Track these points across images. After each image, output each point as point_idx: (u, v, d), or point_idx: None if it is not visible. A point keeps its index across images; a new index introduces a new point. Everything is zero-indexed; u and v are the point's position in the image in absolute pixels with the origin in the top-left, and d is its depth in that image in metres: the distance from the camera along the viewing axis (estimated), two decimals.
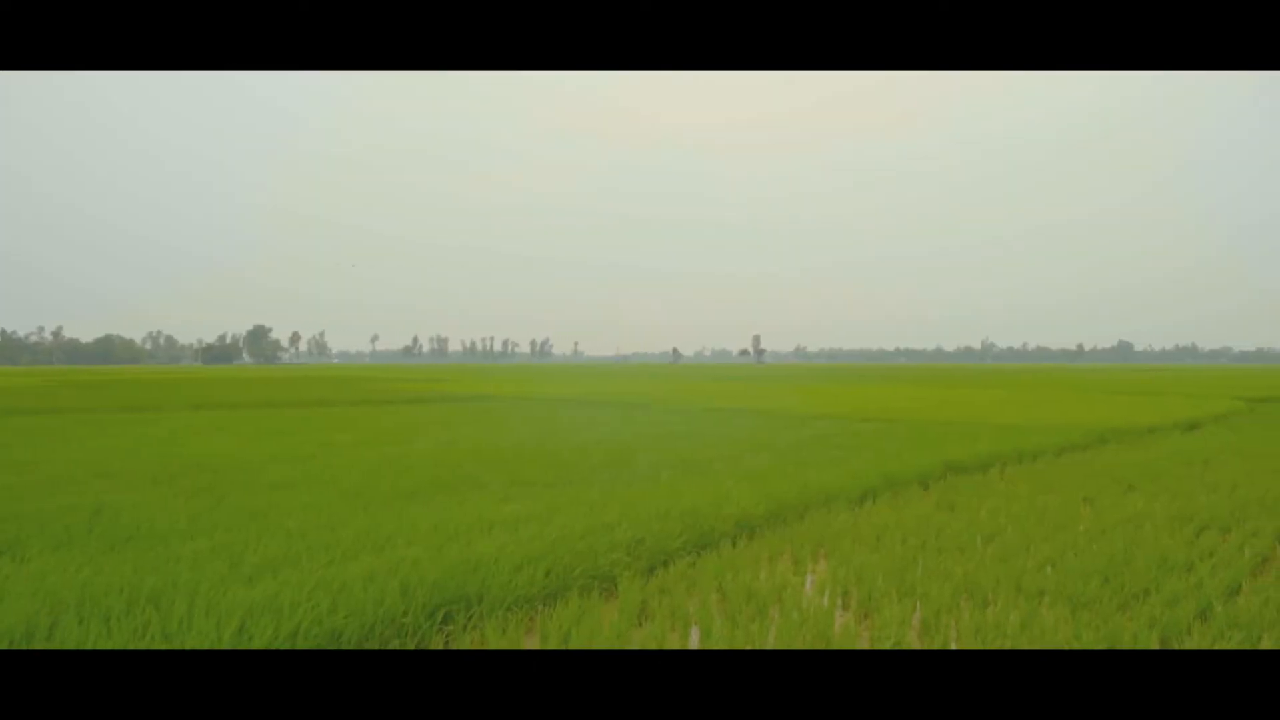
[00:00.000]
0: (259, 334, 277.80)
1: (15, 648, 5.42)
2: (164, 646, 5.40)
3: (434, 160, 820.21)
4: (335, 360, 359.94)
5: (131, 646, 5.39)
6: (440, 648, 6.15)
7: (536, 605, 6.95)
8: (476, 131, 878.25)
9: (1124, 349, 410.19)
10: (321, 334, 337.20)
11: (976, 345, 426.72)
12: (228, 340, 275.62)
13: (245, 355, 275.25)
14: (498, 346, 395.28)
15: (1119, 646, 5.93)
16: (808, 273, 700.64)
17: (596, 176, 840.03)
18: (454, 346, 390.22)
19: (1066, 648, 5.93)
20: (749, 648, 6.12)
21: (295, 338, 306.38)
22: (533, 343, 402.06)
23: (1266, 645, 5.90)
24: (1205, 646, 5.91)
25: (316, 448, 16.71)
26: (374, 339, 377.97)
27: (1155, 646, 6.09)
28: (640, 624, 6.77)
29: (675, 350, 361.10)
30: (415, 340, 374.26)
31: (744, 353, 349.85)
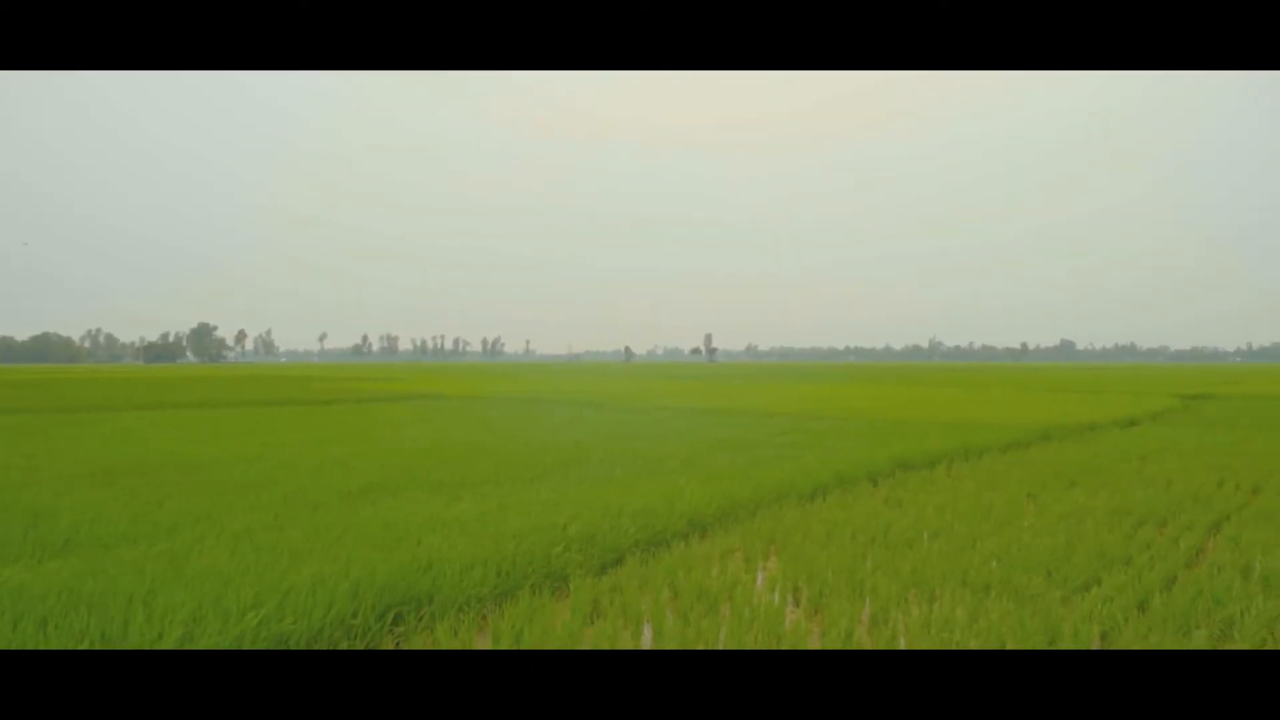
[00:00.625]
0: (203, 332, 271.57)
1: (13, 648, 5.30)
2: (104, 649, 5.26)
3: (391, 154, 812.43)
4: (283, 359, 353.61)
5: (71, 650, 5.25)
6: (391, 651, 6.08)
7: (488, 605, 6.91)
8: (434, 124, 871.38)
9: (1066, 348, 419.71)
10: (268, 332, 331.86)
11: (924, 344, 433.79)
12: (170, 339, 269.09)
13: (189, 354, 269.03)
14: (449, 345, 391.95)
15: (1060, 638, 6.07)
16: (761, 274, 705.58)
17: (555, 172, 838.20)
18: (404, 345, 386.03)
19: (1012, 638, 6.05)
20: (700, 645, 6.15)
21: (241, 336, 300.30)
22: (484, 341, 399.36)
23: (1199, 638, 6.07)
24: (1141, 637, 6.07)
25: (262, 448, 16.42)
26: (322, 337, 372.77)
27: (1095, 638, 6.24)
28: (592, 622, 6.76)
29: (627, 349, 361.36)
30: (365, 339, 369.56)
31: (696, 351, 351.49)
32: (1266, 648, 6.07)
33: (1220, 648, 6.14)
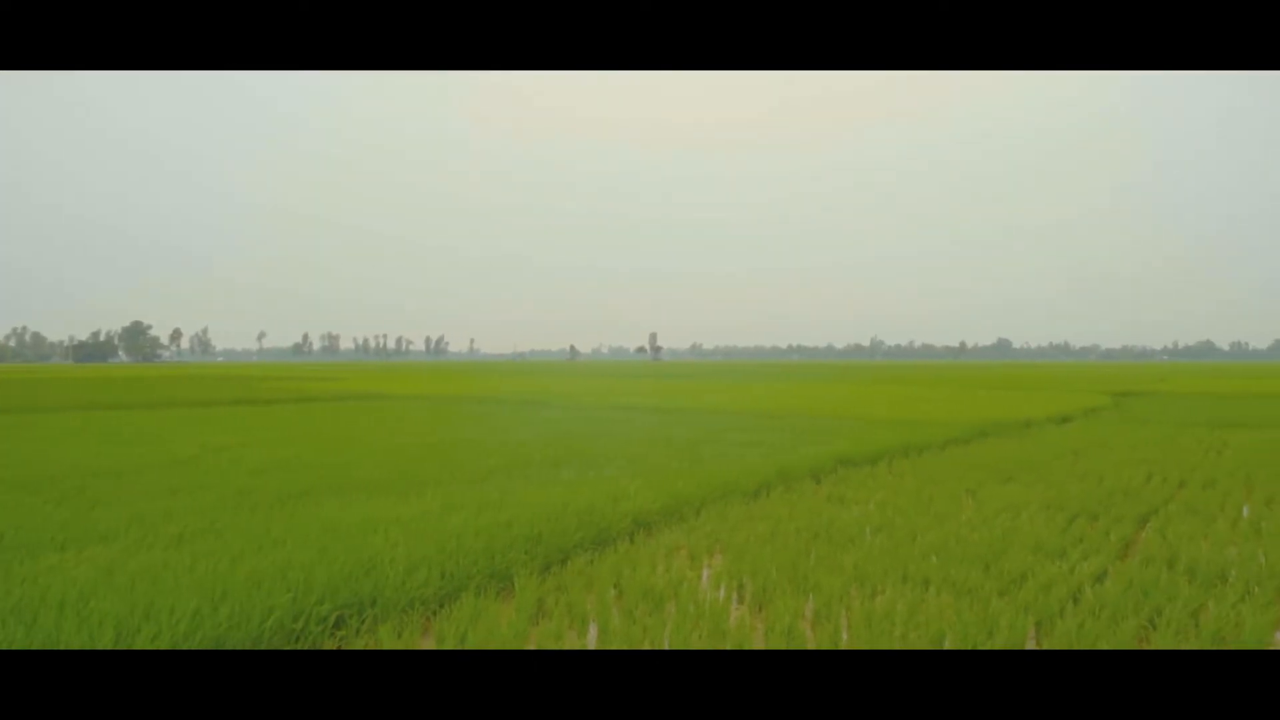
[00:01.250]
0: (136, 331, 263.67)
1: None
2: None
3: (341, 145, 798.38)
4: (220, 359, 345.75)
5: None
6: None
7: (432, 606, 6.84)
8: (386, 116, 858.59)
9: (1003, 346, 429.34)
10: (204, 330, 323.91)
11: (866, 343, 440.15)
12: (101, 337, 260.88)
13: (121, 354, 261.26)
14: (391, 344, 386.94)
15: (997, 630, 6.21)
16: (707, 274, 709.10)
17: (503, 170, 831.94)
18: (346, 344, 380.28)
19: (951, 632, 6.17)
20: (646, 644, 6.17)
21: (176, 335, 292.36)
22: (428, 340, 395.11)
23: (1128, 627, 6.26)
24: (1074, 628, 6.24)
25: (199, 450, 16.03)
26: (261, 336, 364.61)
27: (1030, 629, 6.40)
28: (537, 622, 6.74)
29: (572, 348, 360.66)
30: (305, 338, 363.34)
31: (641, 350, 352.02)
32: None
33: (1165, 641, 6.33)
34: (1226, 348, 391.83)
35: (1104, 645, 5.84)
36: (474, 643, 6.02)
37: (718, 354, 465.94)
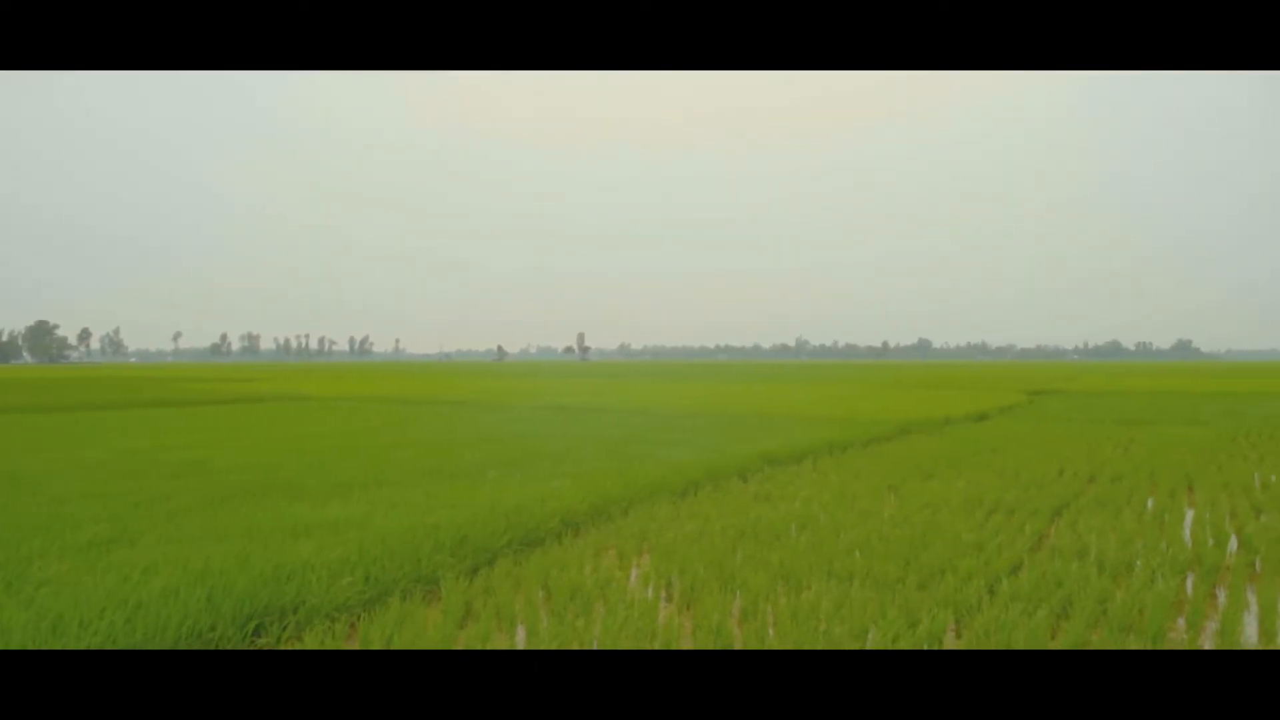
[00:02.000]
0: (41, 330, 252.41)
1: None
2: None
3: (259, 140, 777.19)
4: (133, 359, 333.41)
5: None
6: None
7: (357, 612, 6.72)
8: (314, 112, 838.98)
9: (923, 346, 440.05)
10: (116, 330, 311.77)
11: (791, 343, 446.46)
12: (4, 338, 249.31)
13: (25, 354, 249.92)
14: (314, 344, 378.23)
15: (917, 623, 6.36)
16: (632, 274, 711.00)
17: (430, 164, 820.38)
18: (266, 344, 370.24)
19: (874, 626, 6.30)
20: (575, 645, 6.15)
21: (85, 334, 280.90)
22: (351, 340, 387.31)
23: (1042, 616, 6.48)
24: (992, 619, 6.43)
25: (110, 454, 15.45)
26: (176, 336, 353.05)
27: (950, 622, 6.57)
28: (464, 625, 6.67)
29: (500, 348, 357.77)
30: (224, 338, 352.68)
31: (569, 350, 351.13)
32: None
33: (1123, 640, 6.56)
34: (1132, 348, 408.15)
35: (1019, 633, 6.03)
36: (400, 647, 5.93)
37: (646, 354, 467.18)
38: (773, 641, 6.15)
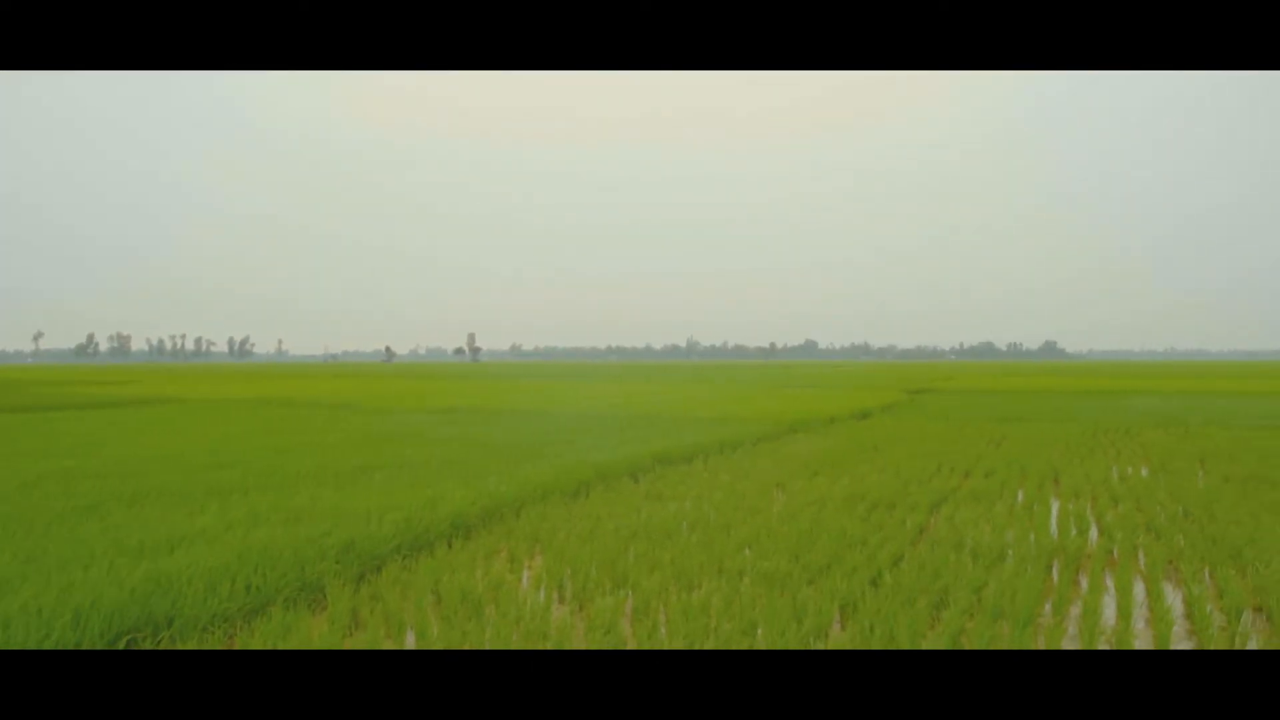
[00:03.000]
0: None
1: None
2: None
3: (111, 140, 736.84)
4: None
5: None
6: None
7: (236, 623, 6.45)
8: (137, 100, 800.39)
9: (809, 347, 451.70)
10: None
11: (682, 344, 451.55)
12: None
13: None
14: (190, 345, 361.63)
15: (805, 616, 6.51)
16: (525, 275, 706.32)
17: (315, 154, 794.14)
18: (138, 345, 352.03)
19: (763, 621, 6.42)
20: (466, 648, 6.06)
21: None
22: (230, 341, 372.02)
23: (922, 605, 6.73)
24: (876, 608, 6.64)
25: None
26: (37, 337, 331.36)
27: (835, 614, 6.75)
28: (351, 633, 6.49)
29: (388, 349, 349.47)
30: (90, 338, 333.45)
31: (459, 351, 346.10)
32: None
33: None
34: (1004, 348, 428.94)
35: (901, 622, 6.24)
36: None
37: (537, 355, 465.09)
38: (664, 640, 6.19)
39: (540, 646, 6.12)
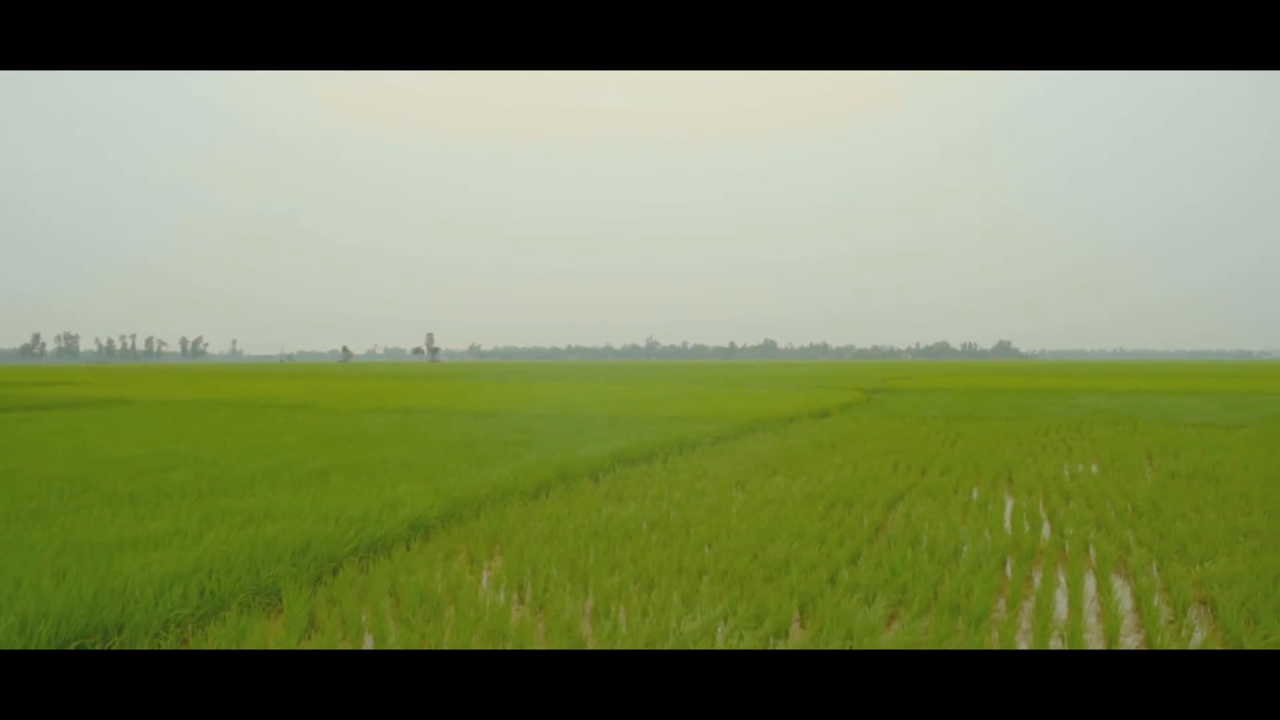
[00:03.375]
0: None
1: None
2: None
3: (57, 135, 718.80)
4: None
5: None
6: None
7: (190, 628, 6.34)
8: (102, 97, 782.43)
9: (769, 346, 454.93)
10: None
11: (642, 344, 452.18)
12: None
13: None
14: (141, 345, 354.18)
15: (765, 614, 6.56)
16: (487, 273, 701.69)
17: (265, 157, 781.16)
18: (87, 345, 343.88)
19: (723, 620, 6.45)
20: (425, 649, 6.01)
21: None
22: (183, 341, 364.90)
23: (880, 604, 6.80)
24: (834, 606, 6.70)
25: None
26: None
27: (795, 613, 6.80)
28: (309, 637, 6.41)
29: (345, 349, 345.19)
30: (36, 338, 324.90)
31: (418, 351, 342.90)
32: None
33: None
34: (959, 347, 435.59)
35: (859, 621, 6.30)
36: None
37: (497, 355, 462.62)
38: (624, 639, 6.19)
39: (500, 647, 6.09)
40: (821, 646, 5.98)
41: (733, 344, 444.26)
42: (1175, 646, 6.20)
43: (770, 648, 6.14)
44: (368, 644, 6.33)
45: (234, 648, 5.83)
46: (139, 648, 5.83)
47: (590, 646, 6.22)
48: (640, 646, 5.99)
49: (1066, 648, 6.20)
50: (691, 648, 5.90)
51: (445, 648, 6.10)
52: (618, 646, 6.06)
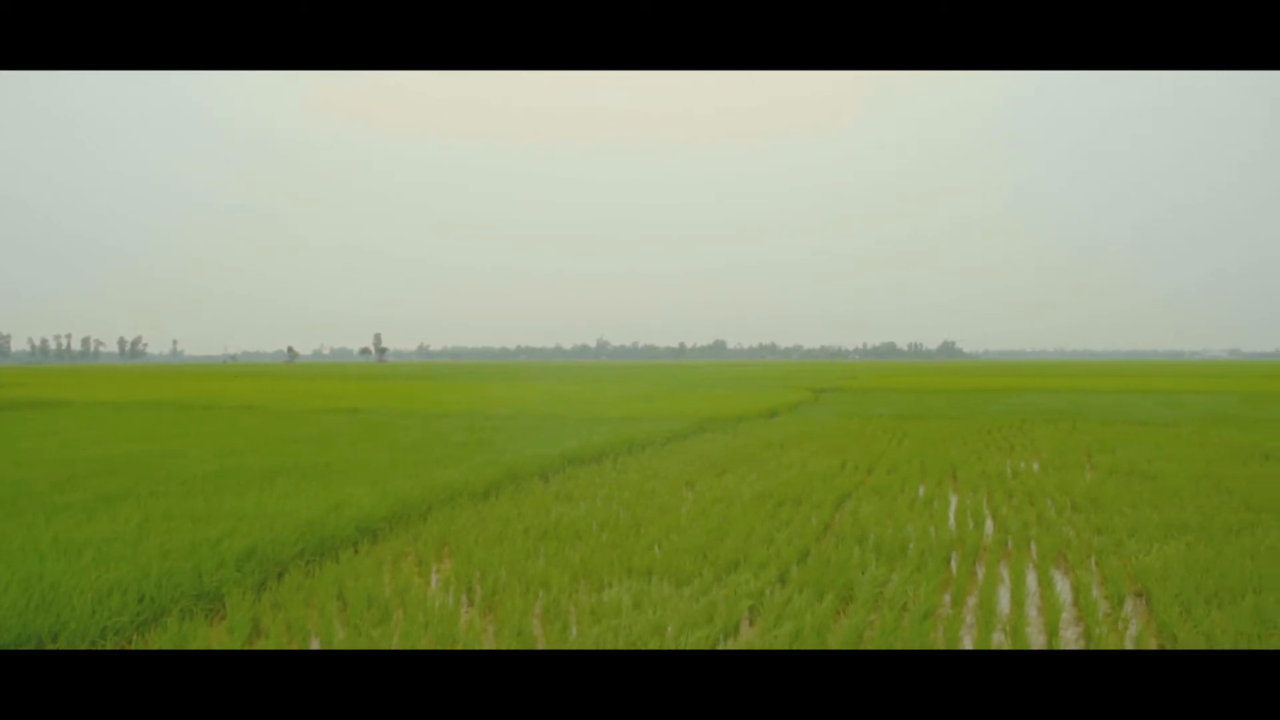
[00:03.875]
0: None
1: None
2: None
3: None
4: None
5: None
6: None
7: (129, 636, 6.17)
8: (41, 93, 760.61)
9: (718, 347, 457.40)
10: None
11: (592, 344, 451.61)
12: None
13: None
14: (77, 345, 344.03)
15: (716, 614, 6.58)
16: (431, 272, 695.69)
17: (204, 155, 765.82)
18: (19, 345, 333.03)
19: (673, 619, 6.46)
20: (374, 651, 5.93)
21: None
22: (121, 341, 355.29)
23: (829, 601, 6.88)
24: (783, 604, 6.75)
25: None
26: None
27: (744, 612, 6.84)
28: (253, 643, 6.28)
29: (290, 349, 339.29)
30: None
31: (365, 351, 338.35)
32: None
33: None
34: (905, 348, 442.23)
35: (808, 619, 6.36)
36: None
37: (445, 355, 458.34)
38: (574, 640, 6.18)
39: (450, 647, 6.03)
40: (770, 646, 6.02)
41: (683, 344, 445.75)
42: (1112, 638, 6.36)
43: (721, 647, 6.16)
44: (314, 647, 6.22)
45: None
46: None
47: (540, 647, 6.18)
48: (590, 647, 5.97)
49: (1008, 642, 6.32)
50: (641, 648, 5.91)
51: (395, 650, 6.02)
52: (568, 647, 6.03)
